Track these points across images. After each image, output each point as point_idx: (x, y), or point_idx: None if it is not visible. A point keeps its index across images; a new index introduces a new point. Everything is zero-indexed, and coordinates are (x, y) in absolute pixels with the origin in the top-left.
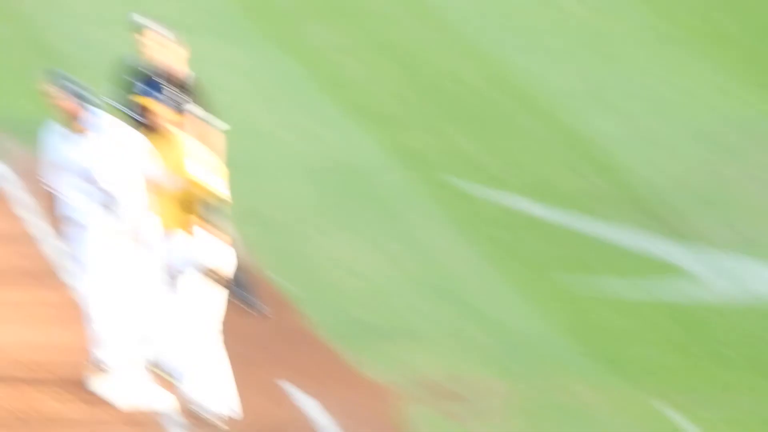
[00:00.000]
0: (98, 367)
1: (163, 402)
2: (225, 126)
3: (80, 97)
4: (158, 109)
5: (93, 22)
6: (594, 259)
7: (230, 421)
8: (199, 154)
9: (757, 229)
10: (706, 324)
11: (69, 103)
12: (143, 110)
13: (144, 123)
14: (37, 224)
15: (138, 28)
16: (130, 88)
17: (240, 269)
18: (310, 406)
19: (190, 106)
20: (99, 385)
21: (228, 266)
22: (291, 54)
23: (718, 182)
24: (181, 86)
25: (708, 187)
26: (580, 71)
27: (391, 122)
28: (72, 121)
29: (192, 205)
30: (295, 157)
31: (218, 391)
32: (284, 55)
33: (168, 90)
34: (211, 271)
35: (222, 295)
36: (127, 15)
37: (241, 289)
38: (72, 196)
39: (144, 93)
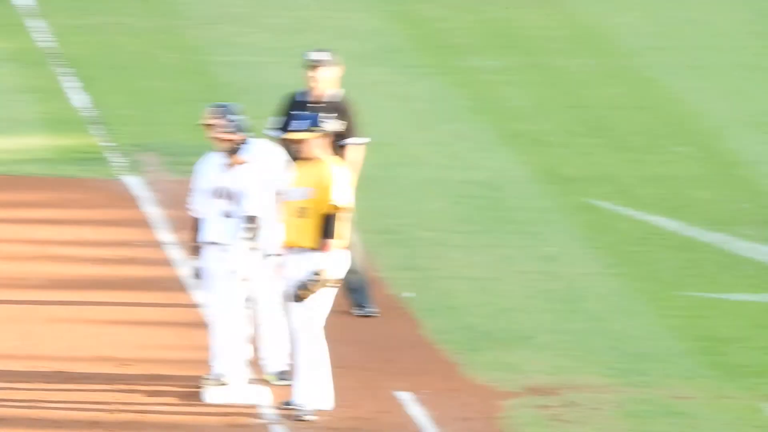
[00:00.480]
0: (217, 381)
1: (262, 400)
2: (366, 140)
3: (241, 130)
4: (306, 137)
5: (256, 53)
6: (729, 277)
7: (327, 418)
8: (341, 174)
9: None
10: None
11: (230, 135)
12: (295, 141)
13: (295, 151)
14: (171, 242)
15: (309, 64)
16: (287, 119)
17: (354, 273)
18: (410, 405)
19: (333, 123)
20: (214, 397)
21: (341, 270)
22: (451, 82)
23: None
24: (330, 106)
25: None
26: (739, 96)
27: (543, 146)
28: (229, 152)
29: (317, 218)
30: (438, 175)
31: (316, 390)
32: (445, 84)
33: (317, 113)
34: (322, 274)
35: (329, 296)
36: (301, 52)
37: (353, 292)
38: (216, 219)
39: (297, 122)
